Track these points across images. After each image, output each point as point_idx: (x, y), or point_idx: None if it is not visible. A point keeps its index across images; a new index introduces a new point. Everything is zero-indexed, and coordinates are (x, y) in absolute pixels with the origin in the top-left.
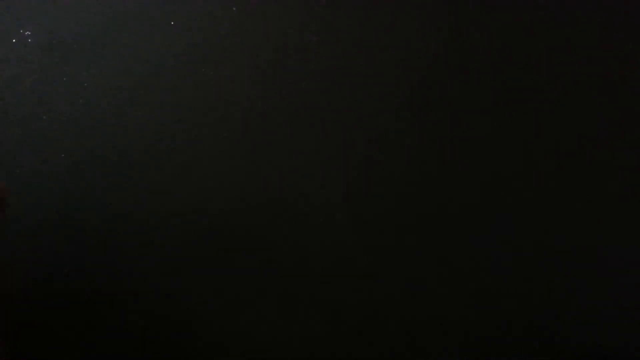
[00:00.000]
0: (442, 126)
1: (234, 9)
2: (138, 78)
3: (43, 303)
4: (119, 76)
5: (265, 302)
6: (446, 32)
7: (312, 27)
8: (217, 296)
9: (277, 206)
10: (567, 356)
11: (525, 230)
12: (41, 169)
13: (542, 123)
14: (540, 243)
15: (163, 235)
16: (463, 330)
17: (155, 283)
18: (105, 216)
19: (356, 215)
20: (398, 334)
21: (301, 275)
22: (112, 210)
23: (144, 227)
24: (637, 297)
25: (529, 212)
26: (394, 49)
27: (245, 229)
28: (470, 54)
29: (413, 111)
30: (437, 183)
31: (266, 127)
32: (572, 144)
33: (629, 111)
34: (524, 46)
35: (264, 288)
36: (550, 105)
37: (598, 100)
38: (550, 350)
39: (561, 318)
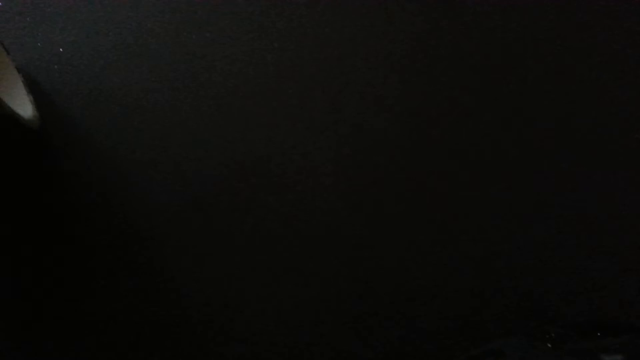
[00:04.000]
0: (438, 90)
1: None
2: (117, 44)
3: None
4: (97, 42)
5: (253, 271)
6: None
7: None
8: (202, 265)
9: (263, 172)
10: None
11: (525, 198)
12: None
13: (534, 112)
14: (541, 222)
15: (145, 201)
16: (457, 301)
17: (138, 252)
18: (85, 191)
19: (345, 181)
20: (388, 303)
21: (289, 242)
22: (92, 185)
23: (126, 192)
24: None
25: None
26: (389, 11)
27: (230, 194)
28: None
29: (407, 75)
30: (431, 149)
31: (252, 91)
32: (568, 130)
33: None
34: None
35: (250, 256)
36: (541, 96)
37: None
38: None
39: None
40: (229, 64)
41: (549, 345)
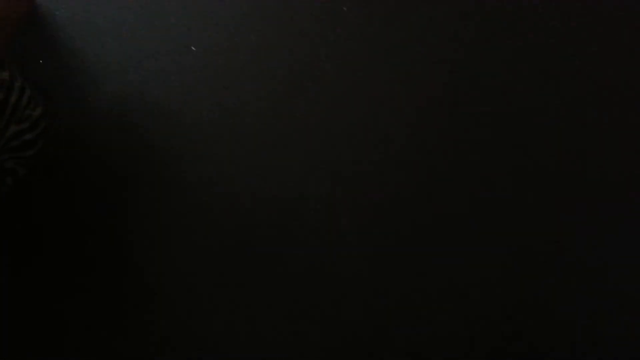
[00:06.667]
0: (452, 128)
1: None
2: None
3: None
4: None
5: (266, 308)
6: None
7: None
8: (216, 300)
9: (278, 210)
10: None
11: (528, 234)
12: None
13: (545, 128)
14: (542, 251)
15: (161, 237)
16: (467, 338)
17: (152, 284)
18: (95, 218)
19: (360, 220)
20: (398, 341)
21: (304, 280)
22: (99, 212)
23: (138, 230)
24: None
25: (530, 215)
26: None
27: (245, 231)
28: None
29: (423, 112)
30: (444, 187)
31: (268, 126)
32: (573, 146)
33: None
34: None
35: (264, 293)
36: (555, 109)
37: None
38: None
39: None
40: (247, 105)
41: None
